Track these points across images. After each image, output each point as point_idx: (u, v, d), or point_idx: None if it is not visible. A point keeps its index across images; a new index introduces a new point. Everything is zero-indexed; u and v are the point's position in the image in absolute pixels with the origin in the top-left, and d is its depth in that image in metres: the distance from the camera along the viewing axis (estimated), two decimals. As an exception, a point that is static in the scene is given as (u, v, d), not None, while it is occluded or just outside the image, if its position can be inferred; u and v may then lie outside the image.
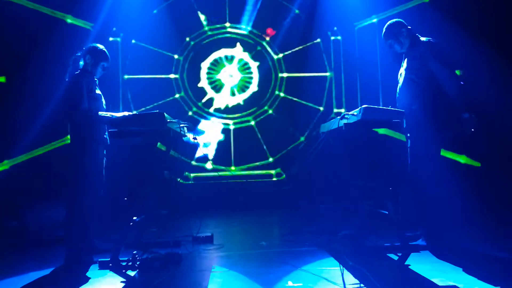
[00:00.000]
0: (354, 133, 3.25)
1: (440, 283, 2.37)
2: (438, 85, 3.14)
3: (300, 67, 6.47)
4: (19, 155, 5.11)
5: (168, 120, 2.93)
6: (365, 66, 6.19)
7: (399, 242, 3.12)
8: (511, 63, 4.89)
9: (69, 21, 5.50)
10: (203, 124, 6.24)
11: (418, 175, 3.18)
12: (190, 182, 6.09)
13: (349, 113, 3.03)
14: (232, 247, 3.54)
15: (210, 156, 6.20)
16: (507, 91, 4.83)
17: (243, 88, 6.46)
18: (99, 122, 3.21)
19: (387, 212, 3.21)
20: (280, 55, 6.51)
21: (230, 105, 6.42)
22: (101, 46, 3.37)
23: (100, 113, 3.16)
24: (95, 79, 3.35)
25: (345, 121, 3.07)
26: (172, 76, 6.32)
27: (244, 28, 6.45)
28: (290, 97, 6.50)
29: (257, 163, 6.31)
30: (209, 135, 6.23)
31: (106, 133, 3.34)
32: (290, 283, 2.46)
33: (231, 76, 6.44)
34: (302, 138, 6.36)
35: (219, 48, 6.42)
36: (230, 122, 6.38)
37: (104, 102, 3.38)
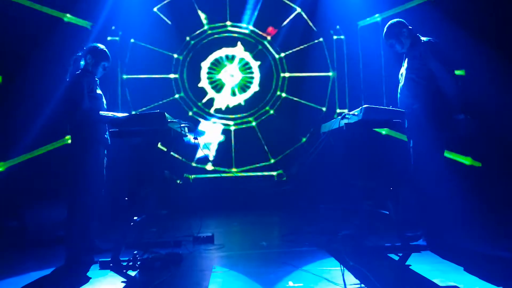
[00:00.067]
0: (355, 133, 3.25)
1: (440, 284, 2.37)
2: (438, 85, 3.14)
3: (302, 66, 6.44)
4: (19, 155, 5.10)
5: (169, 120, 2.93)
6: (369, 65, 6.15)
7: (399, 242, 3.12)
8: (511, 63, 4.90)
9: (66, 19, 5.49)
10: (203, 125, 6.23)
11: (419, 175, 3.18)
12: (190, 182, 6.09)
13: (350, 113, 3.04)
14: (233, 247, 3.54)
15: (211, 157, 6.19)
16: (507, 91, 4.83)
17: (244, 88, 6.45)
18: (100, 122, 3.21)
19: (387, 212, 3.21)
20: (282, 55, 6.50)
21: (231, 105, 6.41)
22: (102, 46, 3.37)
23: (101, 112, 3.16)
24: (96, 79, 3.35)
25: (346, 121, 3.08)
26: (172, 76, 6.32)
27: (245, 27, 6.43)
28: (292, 97, 6.49)
29: (258, 165, 6.30)
30: (209, 136, 6.22)
31: (107, 133, 3.35)
32: (290, 283, 2.46)
33: (232, 76, 6.43)
34: (304, 139, 6.35)
35: (219, 48, 6.40)
36: (231, 122, 6.38)
37: (105, 102, 3.38)
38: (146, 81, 6.19)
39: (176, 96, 6.31)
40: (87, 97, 3.15)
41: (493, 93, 4.86)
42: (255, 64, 6.46)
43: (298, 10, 6.42)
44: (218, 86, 6.41)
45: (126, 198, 3.03)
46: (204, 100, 6.37)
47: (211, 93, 6.39)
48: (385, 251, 3.09)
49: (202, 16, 6.36)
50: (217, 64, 6.41)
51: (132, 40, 6.15)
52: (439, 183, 3.14)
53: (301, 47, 6.45)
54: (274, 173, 6.31)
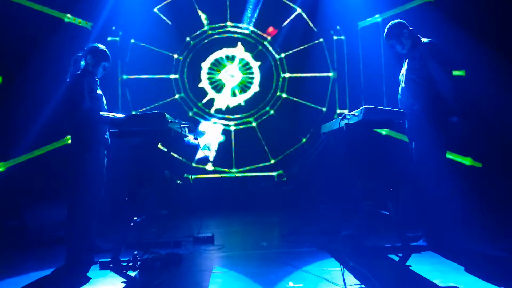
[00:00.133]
0: (355, 133, 3.25)
1: (441, 284, 2.37)
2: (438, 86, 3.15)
3: (302, 67, 6.43)
4: (19, 155, 5.10)
5: (169, 121, 2.93)
6: (369, 66, 6.15)
7: (400, 243, 3.12)
8: (511, 63, 4.90)
9: (67, 20, 5.49)
10: (203, 125, 6.23)
11: (420, 175, 3.18)
12: (190, 182, 6.09)
13: (350, 113, 3.05)
14: (233, 248, 3.54)
15: (211, 158, 6.19)
16: (507, 91, 4.83)
17: (244, 88, 6.45)
18: (100, 122, 3.21)
19: (387, 213, 3.21)
20: (282, 55, 6.50)
21: (231, 106, 6.41)
22: (102, 46, 3.37)
23: (101, 113, 3.16)
24: (96, 79, 3.35)
25: (346, 121, 3.08)
26: (172, 76, 6.32)
27: (245, 27, 6.43)
28: (292, 98, 6.48)
29: (258, 165, 6.30)
30: (209, 136, 6.21)
31: (107, 133, 3.35)
32: (291, 284, 2.46)
33: (232, 76, 6.42)
34: (304, 140, 6.35)
35: (220, 48, 6.39)
36: (231, 123, 6.38)
37: (105, 102, 3.38)
38: (146, 81, 6.19)
39: (176, 96, 6.31)
40: (88, 97, 3.15)
41: (493, 93, 4.86)
42: (255, 65, 6.46)
43: (299, 10, 6.42)
44: (218, 87, 6.41)
45: (126, 198, 3.03)
46: (204, 101, 6.37)
47: (211, 94, 6.39)
48: (385, 251, 3.09)
49: (203, 16, 6.36)
50: (217, 65, 6.41)
51: (132, 41, 6.15)
52: (440, 184, 3.14)
53: (301, 47, 6.44)
54: (274, 174, 6.31)
